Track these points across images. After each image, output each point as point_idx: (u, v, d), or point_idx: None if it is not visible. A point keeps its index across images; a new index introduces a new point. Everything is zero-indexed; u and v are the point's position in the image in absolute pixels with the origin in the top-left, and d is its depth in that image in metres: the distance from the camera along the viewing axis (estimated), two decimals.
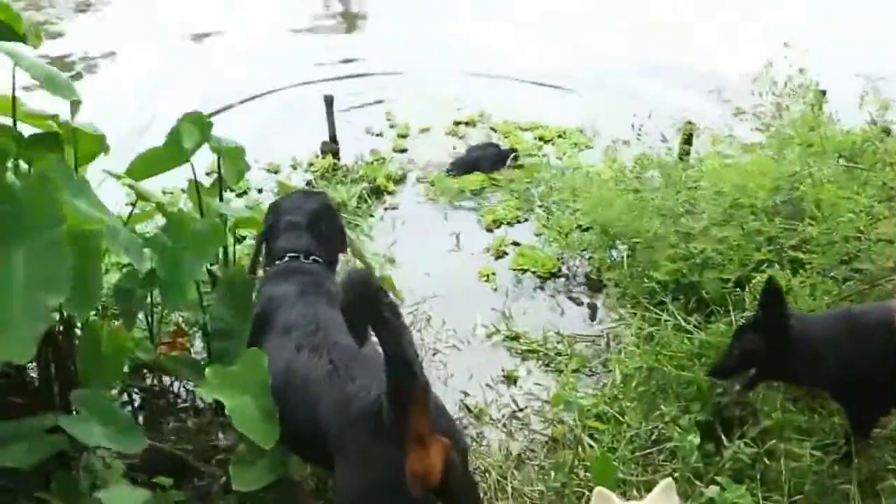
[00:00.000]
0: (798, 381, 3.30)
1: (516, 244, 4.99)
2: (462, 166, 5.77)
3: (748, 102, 5.55)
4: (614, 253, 4.65)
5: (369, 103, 6.92)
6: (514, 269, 4.74)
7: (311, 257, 3.09)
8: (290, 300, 2.90)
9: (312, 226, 3.15)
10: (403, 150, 6.22)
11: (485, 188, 5.62)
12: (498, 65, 7.47)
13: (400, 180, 5.76)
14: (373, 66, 7.74)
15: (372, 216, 5.33)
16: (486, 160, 5.81)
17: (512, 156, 5.84)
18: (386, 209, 5.44)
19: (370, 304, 2.18)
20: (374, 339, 2.23)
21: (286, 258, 3.07)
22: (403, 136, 6.41)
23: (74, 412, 2.83)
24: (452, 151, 6.09)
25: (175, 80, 7.18)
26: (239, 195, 5.35)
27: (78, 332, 3.09)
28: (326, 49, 8.14)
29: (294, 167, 5.91)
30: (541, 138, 6.33)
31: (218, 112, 6.11)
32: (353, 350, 2.39)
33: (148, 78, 7.29)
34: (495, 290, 4.60)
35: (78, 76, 3.01)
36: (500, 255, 4.92)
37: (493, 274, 4.71)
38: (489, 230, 5.16)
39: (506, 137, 6.30)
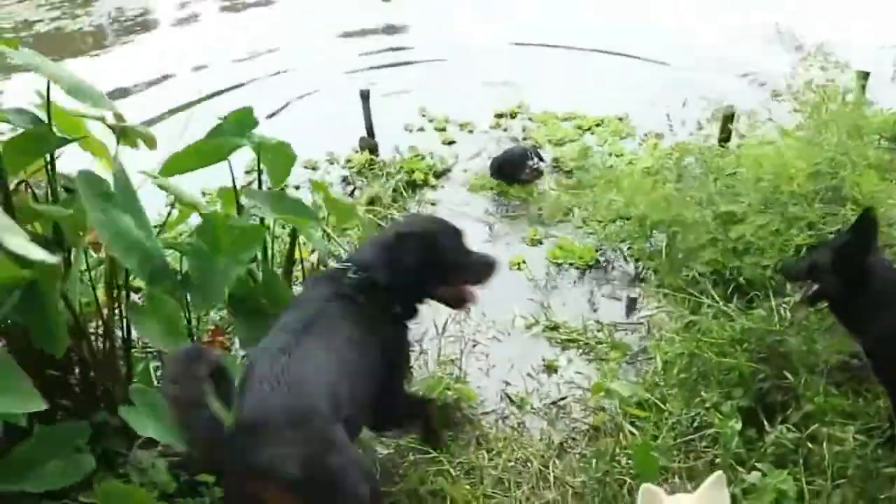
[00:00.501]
0: (848, 321, 3.21)
1: (553, 236, 5.00)
2: (499, 172, 5.59)
3: (784, 85, 5.48)
4: (653, 242, 4.62)
5: (408, 90, 7.00)
6: (552, 261, 4.74)
7: (367, 276, 2.92)
8: (299, 304, 2.91)
9: (393, 247, 2.98)
10: (451, 142, 6.24)
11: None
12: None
13: (441, 174, 5.76)
14: (414, 49, 7.84)
15: (406, 209, 5.32)
16: (522, 169, 5.51)
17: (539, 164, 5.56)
18: (424, 203, 5.45)
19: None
20: None
21: (336, 266, 3.04)
22: (441, 129, 6.43)
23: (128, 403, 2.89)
24: (496, 147, 6.04)
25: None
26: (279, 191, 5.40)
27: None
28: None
29: (331, 162, 5.94)
30: (579, 127, 6.31)
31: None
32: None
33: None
34: (532, 280, 4.60)
35: None
36: (534, 243, 4.94)
37: (524, 262, 4.73)
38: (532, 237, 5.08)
39: (544, 124, 6.33)
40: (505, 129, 6.40)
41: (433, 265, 2.98)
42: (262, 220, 3.53)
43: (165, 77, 7.73)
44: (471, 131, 6.41)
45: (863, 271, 3.02)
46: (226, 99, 6.69)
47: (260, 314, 3.28)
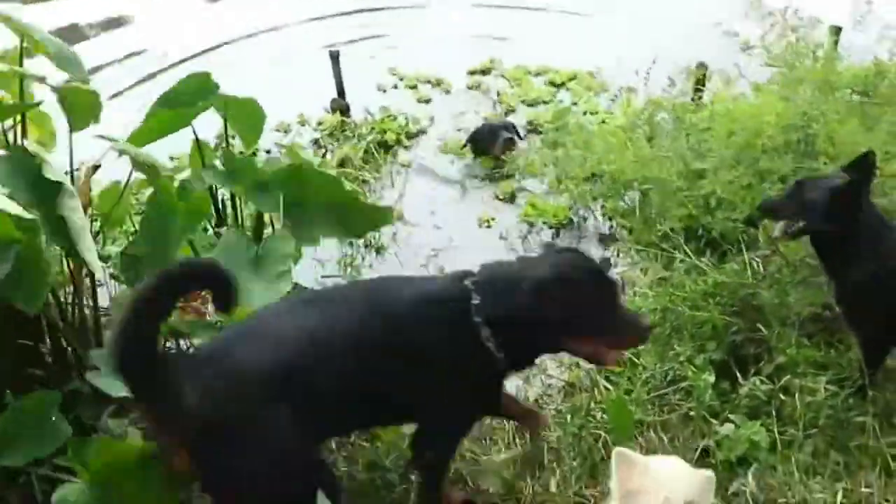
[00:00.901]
0: (830, 261, 3.17)
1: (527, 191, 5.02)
2: (474, 143, 5.47)
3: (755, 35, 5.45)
4: (626, 199, 4.61)
5: (380, 47, 6.91)
6: (525, 220, 4.73)
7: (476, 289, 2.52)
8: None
9: (532, 297, 2.45)
10: (427, 100, 6.19)
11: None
12: None
13: (414, 135, 5.70)
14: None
15: (378, 172, 5.29)
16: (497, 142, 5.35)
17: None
18: (396, 164, 5.41)
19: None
20: None
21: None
22: (413, 87, 6.36)
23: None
24: (470, 107, 6.02)
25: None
26: (250, 156, 5.33)
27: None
28: None
29: (302, 124, 5.86)
30: (552, 83, 6.27)
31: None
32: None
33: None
34: (505, 239, 4.62)
35: None
36: (507, 198, 4.95)
37: (493, 219, 4.76)
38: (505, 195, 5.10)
39: (518, 85, 6.28)
40: (479, 87, 6.34)
41: (575, 322, 2.50)
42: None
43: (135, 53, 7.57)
44: (447, 91, 6.34)
45: (856, 214, 3.01)
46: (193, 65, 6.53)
47: None
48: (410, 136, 5.68)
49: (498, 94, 6.23)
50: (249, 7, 7.91)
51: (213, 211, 3.79)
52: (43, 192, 2.65)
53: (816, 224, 3.07)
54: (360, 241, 4.49)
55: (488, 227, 4.72)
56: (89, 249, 2.67)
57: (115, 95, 5.89)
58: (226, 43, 7.09)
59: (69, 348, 3.10)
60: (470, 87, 6.35)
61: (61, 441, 2.68)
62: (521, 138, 5.43)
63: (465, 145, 5.51)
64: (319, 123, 5.81)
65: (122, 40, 7.39)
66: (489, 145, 5.34)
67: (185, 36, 7.18)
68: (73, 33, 6.99)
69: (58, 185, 2.67)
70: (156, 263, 2.92)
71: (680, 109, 4.84)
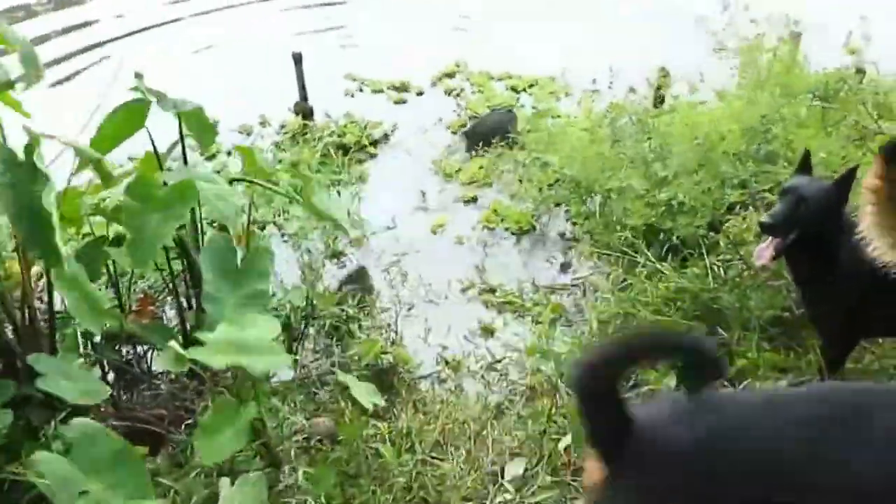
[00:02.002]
0: (803, 266, 3.09)
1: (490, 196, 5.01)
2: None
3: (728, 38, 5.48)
4: (589, 204, 4.59)
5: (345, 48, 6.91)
6: (487, 225, 4.72)
7: None
8: None
9: None
10: (400, 101, 6.21)
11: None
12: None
13: (378, 141, 5.65)
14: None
15: (336, 173, 5.24)
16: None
17: None
18: (356, 167, 5.36)
19: None
20: None
21: None
22: (379, 91, 6.33)
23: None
24: (436, 113, 6.01)
25: None
26: (208, 158, 5.28)
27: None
28: None
29: (263, 125, 5.83)
30: (513, 88, 6.27)
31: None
32: None
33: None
34: (468, 244, 4.60)
35: None
36: (468, 200, 4.97)
37: (442, 226, 4.76)
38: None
39: (480, 91, 6.26)
40: (444, 92, 6.34)
41: None
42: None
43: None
44: (420, 93, 6.34)
45: (842, 219, 2.95)
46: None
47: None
48: (373, 141, 5.62)
49: (460, 96, 6.25)
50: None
51: None
52: (15, 176, 2.57)
53: (814, 227, 2.97)
54: (320, 247, 4.44)
55: (441, 233, 4.73)
56: (63, 243, 2.61)
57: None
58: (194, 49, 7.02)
59: (18, 350, 3.02)
60: (435, 83, 6.38)
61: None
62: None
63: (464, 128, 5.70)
64: (282, 126, 5.78)
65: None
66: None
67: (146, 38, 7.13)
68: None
69: (33, 171, 2.59)
70: (137, 257, 2.89)
71: (642, 114, 4.85)
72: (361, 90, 6.36)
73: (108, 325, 3.30)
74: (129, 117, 3.15)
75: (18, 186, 2.56)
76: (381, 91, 6.34)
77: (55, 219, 2.63)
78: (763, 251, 3.05)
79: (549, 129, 5.25)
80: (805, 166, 3.06)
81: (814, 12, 5.49)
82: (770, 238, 3.03)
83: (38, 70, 2.92)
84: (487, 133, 5.48)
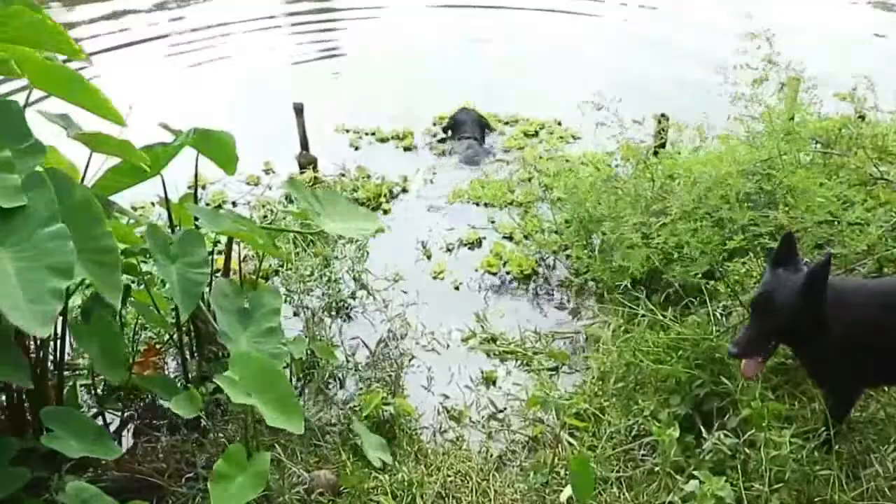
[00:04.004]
0: (803, 346, 3.11)
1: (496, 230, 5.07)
2: (451, 127, 6.27)
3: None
4: (591, 250, 4.60)
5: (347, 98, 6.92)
6: (488, 270, 4.72)
7: None
8: None
9: None
10: (408, 148, 6.27)
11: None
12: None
13: (395, 195, 5.62)
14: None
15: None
16: (469, 125, 6.20)
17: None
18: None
19: None
20: None
21: None
22: (383, 141, 6.36)
23: (46, 430, 2.80)
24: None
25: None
26: (215, 208, 5.29)
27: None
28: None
29: (267, 172, 5.86)
30: (524, 133, 6.36)
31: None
32: None
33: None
34: (463, 289, 4.62)
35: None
36: (472, 244, 4.99)
37: (443, 271, 4.76)
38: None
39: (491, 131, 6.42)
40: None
41: None
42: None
43: None
44: (432, 143, 6.36)
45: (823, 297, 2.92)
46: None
47: None
48: (387, 197, 5.58)
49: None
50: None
51: None
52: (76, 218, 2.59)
53: (799, 330, 2.98)
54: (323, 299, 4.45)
55: (440, 278, 4.74)
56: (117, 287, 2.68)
57: None
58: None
59: (26, 403, 3.03)
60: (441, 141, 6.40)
61: (18, 486, 2.65)
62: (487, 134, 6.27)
63: (445, 130, 6.28)
64: (290, 178, 5.71)
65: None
66: (464, 125, 6.18)
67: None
68: None
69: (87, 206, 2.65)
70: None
71: (645, 158, 4.84)
72: (362, 138, 6.39)
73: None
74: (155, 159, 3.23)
75: (80, 229, 2.58)
76: (384, 140, 6.37)
77: (119, 257, 2.74)
78: (749, 366, 3.03)
79: (556, 172, 5.29)
80: (787, 249, 2.98)
81: (814, 57, 5.51)
82: None
83: None
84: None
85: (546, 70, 7.36)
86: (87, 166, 3.10)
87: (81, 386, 3.61)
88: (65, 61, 2.97)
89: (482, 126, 6.31)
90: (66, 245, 2.43)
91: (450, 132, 6.32)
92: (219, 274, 3.65)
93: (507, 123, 6.52)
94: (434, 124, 6.55)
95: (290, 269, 4.61)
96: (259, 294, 3.36)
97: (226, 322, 3.17)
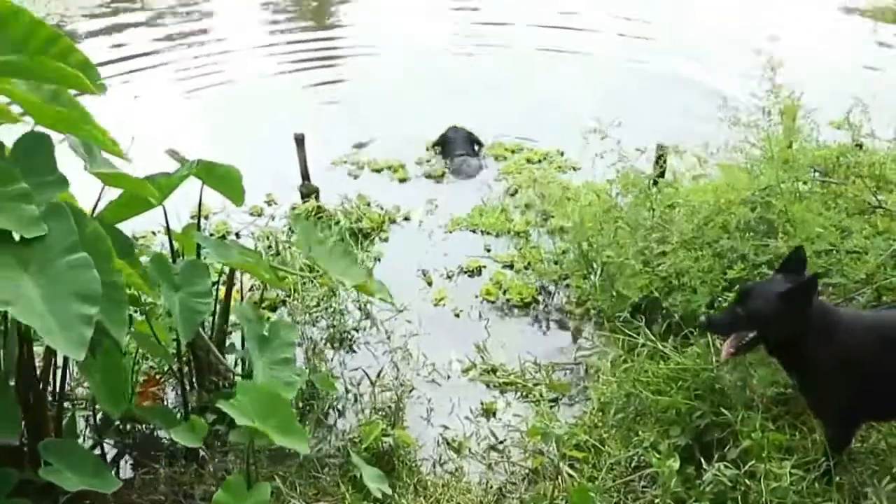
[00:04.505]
0: (789, 359, 3.13)
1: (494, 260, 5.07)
2: (442, 145, 6.53)
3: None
4: (591, 279, 4.60)
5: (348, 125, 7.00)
6: (487, 299, 4.73)
7: None
8: None
9: None
10: (403, 180, 6.28)
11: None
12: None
13: (395, 223, 5.66)
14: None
15: None
16: (458, 142, 6.48)
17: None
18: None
19: None
20: None
21: None
22: (392, 170, 6.39)
23: (44, 463, 2.81)
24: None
25: None
26: (220, 239, 5.30)
27: None
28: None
29: (269, 203, 5.87)
30: (528, 160, 6.38)
31: None
32: None
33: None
34: (464, 318, 4.63)
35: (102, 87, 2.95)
36: (472, 272, 5.00)
37: (444, 298, 4.77)
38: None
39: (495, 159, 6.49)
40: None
41: None
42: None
43: None
44: (428, 171, 6.40)
45: (807, 312, 2.96)
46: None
47: None
48: (388, 225, 5.60)
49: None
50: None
51: None
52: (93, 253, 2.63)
53: (772, 335, 3.04)
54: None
55: (442, 305, 4.75)
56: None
57: None
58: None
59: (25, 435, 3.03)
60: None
61: None
62: (477, 151, 6.50)
63: (436, 148, 6.52)
64: (293, 208, 5.75)
65: None
66: (455, 143, 6.45)
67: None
68: None
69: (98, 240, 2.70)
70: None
71: (646, 186, 4.86)
72: (362, 169, 6.41)
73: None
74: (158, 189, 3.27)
75: (97, 264, 2.60)
76: (379, 171, 6.39)
77: (126, 293, 2.82)
78: (725, 346, 3.11)
79: (557, 199, 5.32)
80: (796, 262, 3.04)
81: (812, 86, 5.54)
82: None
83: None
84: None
85: (544, 101, 7.39)
86: (97, 200, 3.16)
87: (80, 415, 3.62)
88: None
89: (472, 142, 6.55)
90: (91, 273, 2.53)
91: (440, 150, 6.54)
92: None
93: (513, 152, 6.57)
94: (427, 149, 6.62)
95: (297, 299, 4.61)
96: (276, 324, 3.54)
97: (250, 344, 3.41)
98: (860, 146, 4.84)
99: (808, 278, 2.95)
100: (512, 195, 5.86)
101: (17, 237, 2.52)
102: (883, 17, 9.86)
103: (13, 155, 2.70)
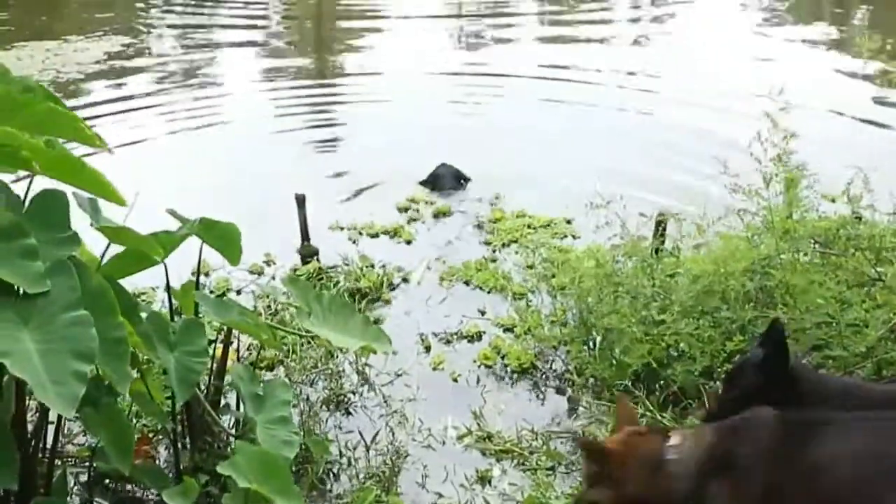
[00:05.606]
0: None
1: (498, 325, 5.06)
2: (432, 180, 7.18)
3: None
4: (590, 347, 4.58)
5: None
6: (485, 363, 4.70)
7: None
8: None
9: None
10: (408, 241, 6.34)
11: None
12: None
13: (396, 286, 5.65)
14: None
15: None
16: (447, 178, 7.18)
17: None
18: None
19: None
20: None
21: None
22: (375, 237, 6.39)
23: None
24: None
25: None
26: (218, 297, 5.30)
27: None
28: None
29: (268, 263, 5.86)
30: (529, 226, 6.41)
31: None
32: None
33: None
34: (461, 382, 4.59)
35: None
36: (471, 337, 4.98)
37: (442, 362, 4.74)
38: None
39: (494, 222, 6.53)
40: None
41: None
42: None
43: None
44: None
45: (791, 378, 2.96)
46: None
47: None
48: (389, 287, 5.59)
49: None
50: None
51: None
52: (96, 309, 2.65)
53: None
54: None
55: (440, 369, 4.71)
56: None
57: None
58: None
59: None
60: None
61: None
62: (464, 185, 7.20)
63: (425, 182, 7.15)
64: (295, 270, 5.74)
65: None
66: (442, 179, 7.13)
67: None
68: None
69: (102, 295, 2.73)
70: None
71: (645, 255, 4.87)
72: (361, 234, 6.40)
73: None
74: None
75: (95, 318, 2.61)
76: (376, 235, 6.40)
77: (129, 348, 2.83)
78: None
79: (560, 263, 5.33)
80: (773, 339, 3.02)
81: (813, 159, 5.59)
82: None
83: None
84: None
85: (546, 161, 7.54)
86: (102, 255, 3.18)
87: (70, 472, 3.58)
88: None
89: (459, 178, 7.25)
90: (89, 331, 2.54)
91: (431, 186, 7.17)
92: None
93: (518, 216, 6.60)
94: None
95: (294, 360, 4.59)
96: (272, 384, 3.55)
97: (246, 404, 3.39)
98: (860, 219, 4.87)
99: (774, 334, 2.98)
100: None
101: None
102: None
103: (29, 210, 2.77)
